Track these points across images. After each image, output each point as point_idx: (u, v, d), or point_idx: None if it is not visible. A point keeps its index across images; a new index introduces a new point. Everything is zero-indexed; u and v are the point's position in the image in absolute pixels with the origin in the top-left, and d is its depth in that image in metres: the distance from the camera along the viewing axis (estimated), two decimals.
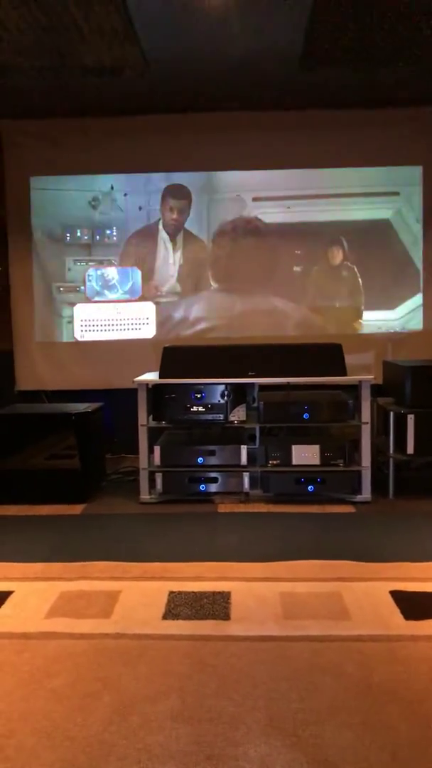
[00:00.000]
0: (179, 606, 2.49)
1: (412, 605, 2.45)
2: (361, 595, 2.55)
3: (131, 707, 1.85)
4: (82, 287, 5.14)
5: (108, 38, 3.64)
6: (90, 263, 5.14)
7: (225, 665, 2.06)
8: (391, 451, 3.92)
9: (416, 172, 4.96)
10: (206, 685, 1.95)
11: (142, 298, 5.13)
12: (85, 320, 5.15)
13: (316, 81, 4.35)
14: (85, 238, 5.13)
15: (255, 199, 5.07)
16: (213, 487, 3.89)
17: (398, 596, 2.53)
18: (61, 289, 5.15)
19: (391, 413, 3.91)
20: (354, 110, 4.83)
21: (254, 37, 3.71)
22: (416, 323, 5.03)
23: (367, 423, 3.81)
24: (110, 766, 1.61)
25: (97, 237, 5.13)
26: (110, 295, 5.15)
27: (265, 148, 4.94)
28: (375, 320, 5.05)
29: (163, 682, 1.97)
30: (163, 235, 5.12)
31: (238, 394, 3.94)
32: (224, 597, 2.55)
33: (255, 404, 3.96)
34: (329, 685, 1.94)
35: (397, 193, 5.00)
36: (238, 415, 3.92)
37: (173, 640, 2.23)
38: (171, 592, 2.61)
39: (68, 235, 5.13)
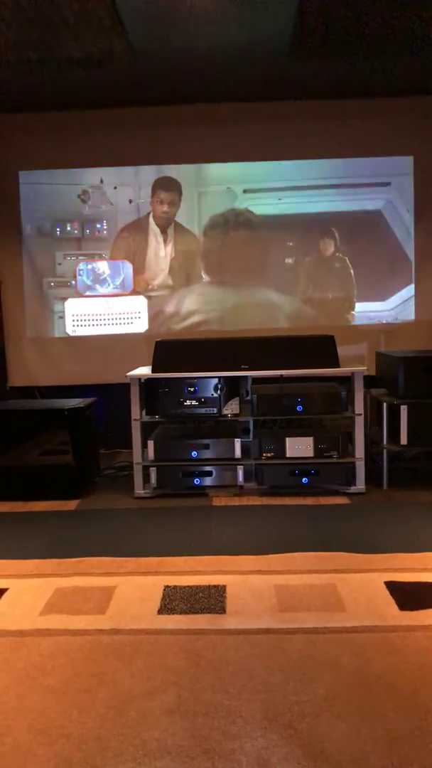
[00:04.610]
0: (175, 600, 2.48)
1: (407, 596, 2.45)
2: (356, 586, 2.56)
3: (127, 703, 1.85)
4: (73, 282, 5.11)
5: (95, 29, 3.60)
6: (80, 257, 5.11)
7: (221, 659, 2.06)
8: (385, 442, 3.93)
9: (407, 162, 4.94)
10: (202, 679, 1.95)
11: (134, 292, 5.10)
12: (77, 315, 5.12)
13: (305, 72, 4.32)
14: (75, 232, 5.09)
15: (246, 191, 5.04)
16: (207, 481, 3.88)
17: (393, 587, 2.53)
18: (52, 283, 5.12)
19: (385, 404, 3.91)
20: (344, 101, 4.80)
21: (243, 27, 3.67)
22: (408, 314, 5.02)
23: (361, 414, 3.81)
24: (106, 762, 1.61)
25: (87, 231, 5.09)
26: (101, 290, 5.12)
27: (255, 139, 4.90)
28: (367, 311, 5.04)
29: (159, 677, 1.97)
30: (153, 228, 5.09)
31: (231, 388, 3.93)
32: (219, 590, 2.55)
33: (248, 397, 3.96)
34: (325, 676, 1.94)
35: (388, 184, 4.98)
36: (231, 408, 3.92)
37: (169, 635, 2.22)
38: (166, 587, 2.61)
39: (58, 229, 5.08)
